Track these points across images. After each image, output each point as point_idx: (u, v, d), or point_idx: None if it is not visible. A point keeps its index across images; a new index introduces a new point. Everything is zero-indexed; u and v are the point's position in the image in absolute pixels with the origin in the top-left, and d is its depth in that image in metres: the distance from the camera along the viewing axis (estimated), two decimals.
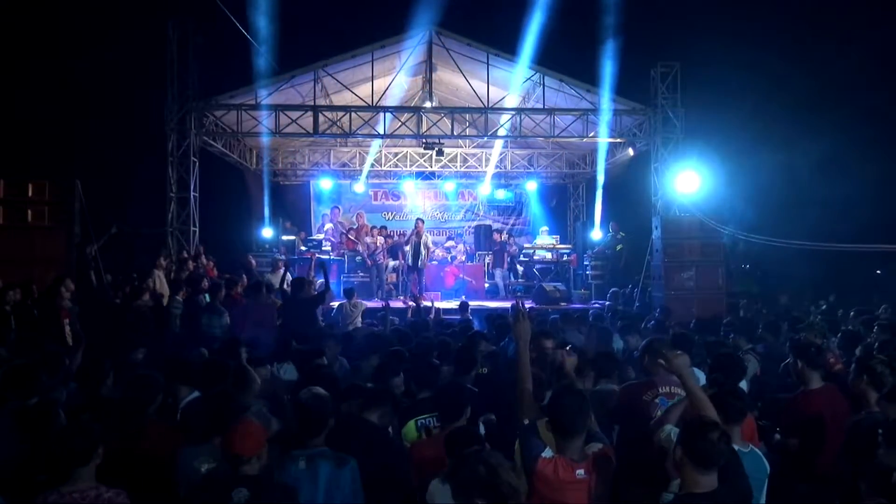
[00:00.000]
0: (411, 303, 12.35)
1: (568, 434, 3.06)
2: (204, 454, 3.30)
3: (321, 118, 13.47)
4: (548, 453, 3.11)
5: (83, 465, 2.93)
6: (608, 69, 12.78)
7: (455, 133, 14.69)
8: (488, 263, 16.53)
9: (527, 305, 12.53)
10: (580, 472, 3.00)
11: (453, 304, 12.37)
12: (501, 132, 14.42)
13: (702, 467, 2.71)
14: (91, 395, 4.44)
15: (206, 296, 8.91)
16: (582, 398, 3.18)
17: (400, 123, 14.07)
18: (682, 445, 2.78)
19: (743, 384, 4.43)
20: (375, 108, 13.67)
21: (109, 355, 4.98)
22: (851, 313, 9.47)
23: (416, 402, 4.18)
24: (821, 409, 4.04)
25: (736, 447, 3.18)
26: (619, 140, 14.62)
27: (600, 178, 16.10)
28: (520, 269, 16.31)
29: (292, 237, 15.81)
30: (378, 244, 14.93)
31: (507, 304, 11.50)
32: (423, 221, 14.82)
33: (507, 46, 13.39)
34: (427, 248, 14.17)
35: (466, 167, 18.37)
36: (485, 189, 18.72)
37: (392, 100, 14.22)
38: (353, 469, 3.23)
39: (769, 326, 7.37)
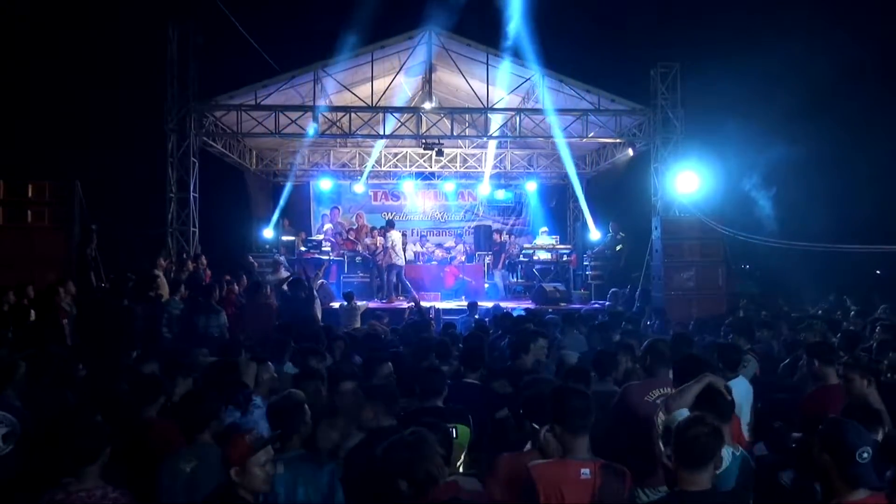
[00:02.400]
0: (411, 303, 12.35)
1: (574, 433, 3.05)
2: (187, 454, 3.27)
3: (321, 118, 13.47)
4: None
5: (91, 464, 2.92)
6: (607, 69, 12.80)
7: (455, 133, 14.66)
8: (488, 263, 16.54)
9: (526, 306, 12.49)
10: (585, 471, 2.96)
11: (453, 304, 12.36)
12: (500, 132, 14.42)
13: (693, 466, 2.62)
14: (94, 395, 4.45)
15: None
16: (586, 397, 3.19)
17: (400, 124, 14.06)
18: (672, 446, 2.73)
19: (743, 384, 4.42)
20: (375, 109, 13.66)
21: (108, 355, 4.98)
22: (852, 313, 9.49)
23: (422, 409, 3.94)
24: (840, 403, 3.97)
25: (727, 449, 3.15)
26: (618, 140, 14.61)
27: (575, 181, 16.61)
28: (509, 273, 16.30)
29: (291, 237, 15.79)
30: (377, 245, 14.92)
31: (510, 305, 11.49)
32: (392, 225, 14.45)
33: (506, 47, 13.40)
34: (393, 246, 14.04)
35: (466, 167, 18.35)
36: (484, 189, 18.69)
37: (392, 100, 14.21)
38: (332, 472, 3.20)
39: (768, 326, 7.39)
